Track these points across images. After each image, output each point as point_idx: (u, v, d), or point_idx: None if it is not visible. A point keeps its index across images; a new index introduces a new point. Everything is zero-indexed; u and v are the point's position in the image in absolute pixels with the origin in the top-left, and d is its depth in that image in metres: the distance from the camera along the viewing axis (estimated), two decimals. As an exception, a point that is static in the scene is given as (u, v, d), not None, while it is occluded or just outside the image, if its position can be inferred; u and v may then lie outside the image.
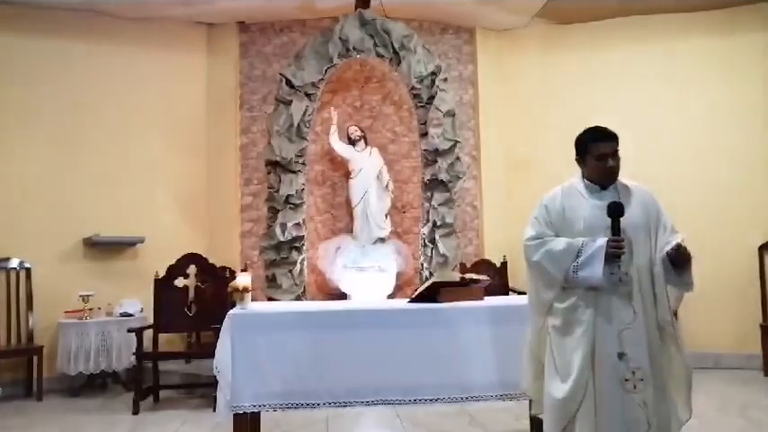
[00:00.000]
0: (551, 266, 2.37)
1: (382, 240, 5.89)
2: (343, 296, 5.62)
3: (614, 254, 2.27)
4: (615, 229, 2.28)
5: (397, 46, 5.67)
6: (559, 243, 2.37)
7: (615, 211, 2.29)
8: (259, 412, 3.16)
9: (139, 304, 5.45)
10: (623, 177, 2.50)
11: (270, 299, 5.37)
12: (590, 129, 2.47)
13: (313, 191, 6.03)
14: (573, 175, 2.55)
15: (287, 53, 6.15)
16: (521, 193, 6.21)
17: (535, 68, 6.44)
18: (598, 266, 2.26)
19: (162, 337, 5.00)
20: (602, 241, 2.28)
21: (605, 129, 2.46)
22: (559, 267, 2.34)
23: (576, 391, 2.28)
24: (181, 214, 6.07)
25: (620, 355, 2.26)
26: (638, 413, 2.23)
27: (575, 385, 2.28)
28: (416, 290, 3.50)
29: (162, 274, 4.91)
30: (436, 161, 5.64)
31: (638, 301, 2.29)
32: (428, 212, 5.66)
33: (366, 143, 6.03)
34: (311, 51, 5.66)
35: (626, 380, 2.24)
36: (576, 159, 2.50)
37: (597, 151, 2.41)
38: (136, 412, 4.50)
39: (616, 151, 2.42)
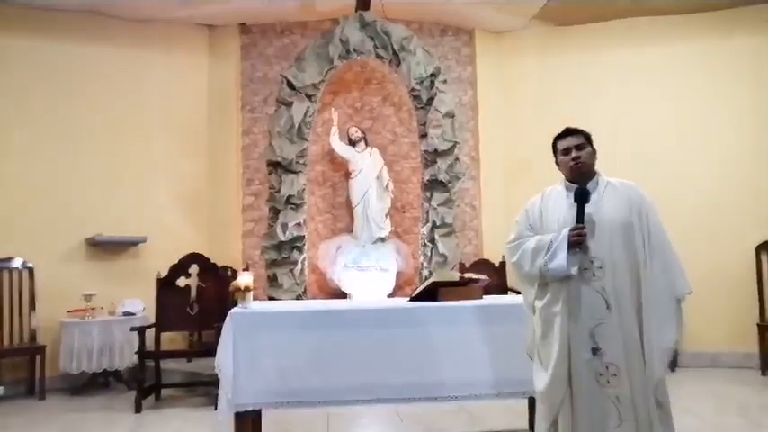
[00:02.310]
0: (527, 264, 2.44)
1: (382, 240, 5.92)
2: (343, 295, 5.66)
3: (575, 242, 2.31)
4: (579, 214, 2.33)
5: (396, 48, 5.70)
6: (532, 241, 2.45)
7: (579, 196, 2.34)
8: (260, 411, 3.17)
9: (141, 303, 5.48)
10: (611, 176, 2.53)
11: (271, 298, 5.40)
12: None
13: (314, 191, 6.07)
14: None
15: (288, 55, 6.19)
16: (519, 193, 6.18)
17: (534, 70, 6.48)
18: (562, 255, 2.31)
19: (164, 335, 5.03)
20: (565, 231, 2.34)
21: (568, 127, 2.54)
22: (534, 264, 2.41)
23: (554, 383, 2.32)
24: (183, 214, 6.10)
25: (594, 351, 2.28)
26: (610, 408, 2.25)
27: (552, 377, 2.33)
28: (416, 289, 3.53)
29: (164, 273, 4.95)
30: (436, 162, 5.68)
31: (613, 296, 2.29)
32: (428, 212, 5.70)
33: (366, 144, 6.07)
34: (312, 53, 5.69)
35: (600, 374, 2.27)
36: (555, 163, 2.57)
37: (562, 146, 2.49)
38: (138, 411, 4.53)
39: (581, 144, 2.46)
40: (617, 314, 2.28)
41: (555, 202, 2.49)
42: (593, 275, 2.32)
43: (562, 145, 2.49)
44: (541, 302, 2.43)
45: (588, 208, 2.35)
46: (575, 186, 2.43)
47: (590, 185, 2.43)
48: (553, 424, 2.35)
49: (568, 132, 2.50)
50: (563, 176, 2.54)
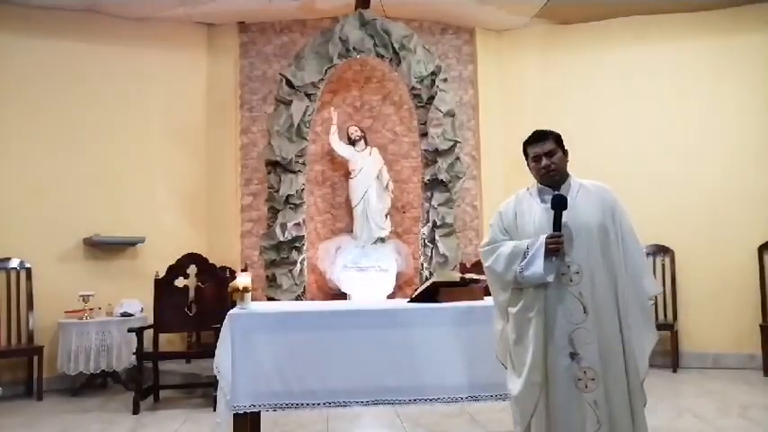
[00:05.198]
0: (501, 270, 2.42)
1: (382, 240, 5.89)
2: (343, 296, 5.63)
3: (552, 249, 2.29)
4: (557, 221, 2.31)
5: (397, 46, 5.67)
6: (508, 247, 2.42)
7: (557, 203, 2.32)
8: (259, 412, 3.16)
9: (140, 304, 5.45)
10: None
11: (270, 299, 5.38)
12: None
13: (313, 191, 6.04)
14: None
15: (287, 53, 6.16)
16: (521, 193, 6.20)
17: (535, 68, 6.45)
18: (538, 263, 2.30)
19: (162, 336, 5.00)
20: (542, 238, 2.32)
21: (538, 130, 2.49)
22: (508, 270, 2.39)
23: (527, 388, 2.33)
24: (181, 214, 6.07)
25: (573, 355, 2.28)
26: (589, 412, 2.24)
27: (525, 383, 2.33)
28: (416, 290, 3.50)
29: (162, 274, 4.91)
30: (436, 161, 5.65)
31: (590, 301, 2.29)
32: (428, 212, 5.67)
33: (366, 143, 6.04)
34: (311, 51, 5.66)
35: (578, 379, 2.27)
36: (527, 165, 2.55)
37: (531, 153, 2.47)
38: (136, 412, 4.50)
39: (551, 150, 2.42)
40: (594, 318, 2.28)
41: (529, 207, 2.47)
42: (571, 281, 2.31)
43: (532, 151, 2.47)
44: (515, 308, 2.41)
45: (564, 214, 2.33)
46: (548, 190, 2.42)
47: (562, 189, 2.41)
48: (526, 429, 2.35)
49: (537, 138, 2.46)
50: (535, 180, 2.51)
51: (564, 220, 2.32)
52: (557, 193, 2.36)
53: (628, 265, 2.36)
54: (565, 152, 2.46)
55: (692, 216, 5.78)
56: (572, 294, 2.30)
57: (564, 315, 2.29)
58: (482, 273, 4.17)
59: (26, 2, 5.49)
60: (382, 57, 5.75)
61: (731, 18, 5.97)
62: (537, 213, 2.42)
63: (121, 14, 5.91)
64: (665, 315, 5.80)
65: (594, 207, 2.38)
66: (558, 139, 2.46)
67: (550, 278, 2.30)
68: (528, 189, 2.53)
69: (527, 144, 2.49)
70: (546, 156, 2.42)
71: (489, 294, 3.50)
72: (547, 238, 2.30)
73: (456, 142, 5.68)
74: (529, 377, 2.32)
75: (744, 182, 5.82)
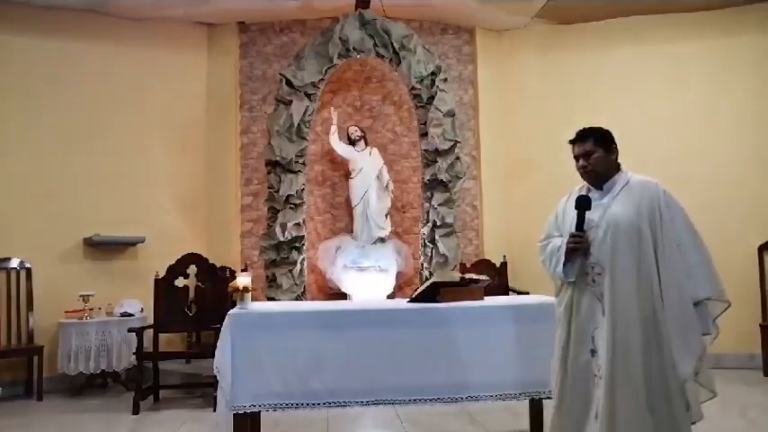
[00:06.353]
0: (546, 265, 2.52)
1: (382, 240, 5.89)
2: (343, 296, 5.63)
3: (572, 248, 2.35)
4: (579, 222, 2.35)
5: (397, 46, 5.67)
6: (551, 244, 2.50)
7: (580, 204, 2.36)
8: (259, 412, 3.16)
9: (140, 304, 5.45)
10: (635, 172, 2.51)
11: (270, 299, 5.37)
12: None
13: (313, 191, 6.04)
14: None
15: (287, 53, 6.16)
16: (520, 193, 6.22)
17: (535, 69, 6.45)
18: (559, 263, 2.39)
19: (162, 337, 5.00)
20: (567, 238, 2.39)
21: (581, 129, 2.50)
22: (549, 266, 2.48)
23: (553, 377, 2.49)
24: (181, 214, 6.07)
25: (593, 352, 2.35)
26: (592, 406, 2.33)
27: (554, 368, 2.49)
28: (416, 290, 3.50)
29: (162, 274, 4.90)
30: (436, 161, 5.65)
31: (609, 303, 2.30)
32: (428, 212, 5.67)
33: (366, 143, 6.04)
34: (311, 51, 5.66)
35: (594, 375, 2.34)
36: None
37: (573, 153, 2.50)
38: (136, 412, 4.50)
39: (587, 152, 2.42)
40: (610, 320, 2.30)
41: (572, 205, 2.47)
42: (593, 281, 2.36)
43: (573, 152, 2.50)
44: (557, 300, 2.54)
45: (594, 213, 2.36)
46: (592, 189, 2.47)
47: (606, 187, 2.43)
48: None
49: (578, 137, 2.48)
50: None
51: (595, 220, 2.35)
52: (581, 194, 2.42)
53: (671, 265, 2.28)
54: (609, 150, 2.44)
55: (692, 216, 5.74)
56: (593, 295, 2.35)
57: (588, 313, 2.36)
58: (482, 273, 4.20)
59: (26, 2, 5.49)
60: (382, 57, 5.75)
61: (731, 18, 5.98)
62: (574, 213, 2.43)
63: (122, 15, 5.91)
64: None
65: (630, 207, 2.35)
66: (599, 138, 2.44)
67: (571, 278, 2.37)
68: (581, 187, 2.55)
69: (572, 143, 2.50)
70: (583, 156, 2.44)
71: (489, 295, 3.53)
72: (568, 237, 2.36)
73: (456, 142, 5.68)
74: (557, 368, 2.46)
75: (744, 182, 5.82)
